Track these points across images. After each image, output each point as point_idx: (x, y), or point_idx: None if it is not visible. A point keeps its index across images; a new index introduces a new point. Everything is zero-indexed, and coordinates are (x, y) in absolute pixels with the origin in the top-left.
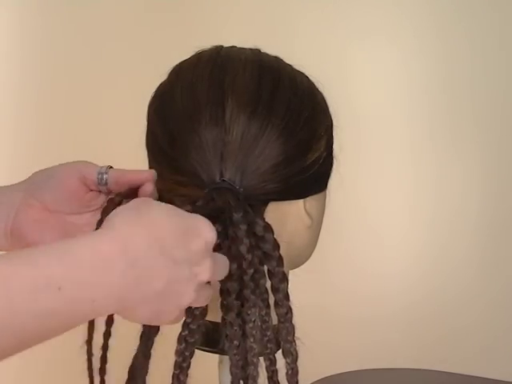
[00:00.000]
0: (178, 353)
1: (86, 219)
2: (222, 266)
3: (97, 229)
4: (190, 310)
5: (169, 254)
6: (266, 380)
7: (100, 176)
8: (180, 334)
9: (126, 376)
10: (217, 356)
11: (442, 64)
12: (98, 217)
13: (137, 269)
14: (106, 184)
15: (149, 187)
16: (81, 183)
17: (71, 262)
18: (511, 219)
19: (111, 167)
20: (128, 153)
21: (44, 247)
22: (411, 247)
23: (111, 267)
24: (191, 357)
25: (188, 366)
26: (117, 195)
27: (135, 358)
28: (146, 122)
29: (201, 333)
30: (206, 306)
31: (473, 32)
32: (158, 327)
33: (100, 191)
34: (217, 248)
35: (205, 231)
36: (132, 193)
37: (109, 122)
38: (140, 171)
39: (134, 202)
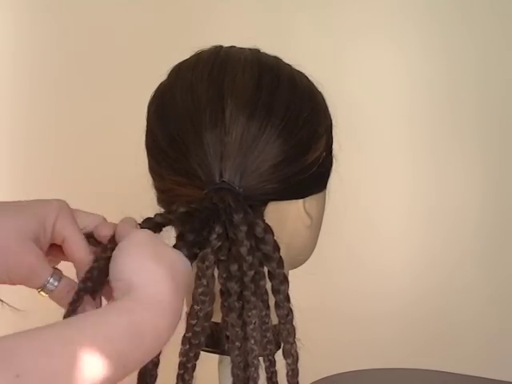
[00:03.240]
0: (182, 354)
1: None
2: None
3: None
4: (194, 312)
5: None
6: (266, 381)
7: (46, 285)
8: (184, 335)
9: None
10: (217, 356)
11: (443, 62)
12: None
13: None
14: (51, 291)
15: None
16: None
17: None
18: (511, 218)
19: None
20: (128, 153)
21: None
22: (411, 247)
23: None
24: (196, 358)
25: (193, 367)
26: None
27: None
28: (145, 122)
29: (205, 335)
30: (211, 308)
31: (475, 30)
32: None
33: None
34: (217, 250)
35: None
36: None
37: (109, 122)
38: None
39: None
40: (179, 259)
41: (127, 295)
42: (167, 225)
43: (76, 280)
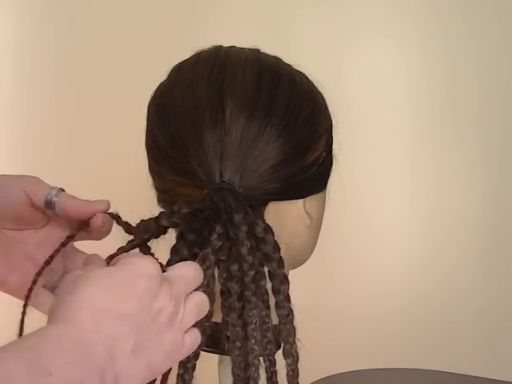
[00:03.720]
0: None
1: (28, 234)
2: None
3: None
4: None
5: (119, 315)
6: (266, 381)
7: (49, 199)
8: None
9: None
10: (217, 356)
11: (443, 61)
12: (41, 234)
13: (98, 346)
14: (53, 208)
15: (98, 219)
16: (27, 203)
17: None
18: (511, 218)
19: (63, 190)
20: (128, 153)
21: (22, 339)
22: (411, 246)
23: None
24: (196, 358)
25: (193, 367)
26: (68, 237)
27: None
28: (145, 122)
29: (206, 335)
30: (212, 308)
31: (475, 29)
32: None
33: (46, 214)
34: (218, 250)
35: (140, 269)
36: (83, 224)
37: (109, 122)
38: (91, 202)
39: (61, 288)
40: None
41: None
42: (172, 227)
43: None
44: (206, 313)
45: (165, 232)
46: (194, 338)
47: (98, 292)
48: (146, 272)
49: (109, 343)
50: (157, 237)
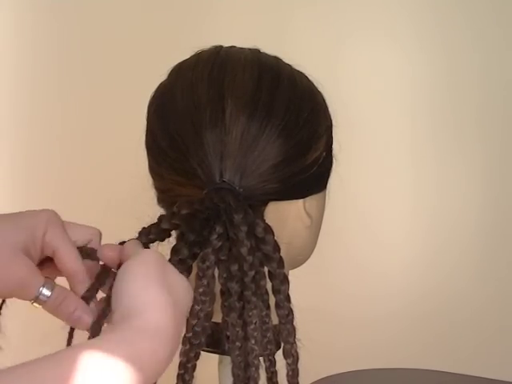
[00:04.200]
0: (183, 354)
1: None
2: None
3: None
4: (194, 312)
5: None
6: (266, 381)
7: (39, 296)
8: (185, 335)
9: None
10: (217, 356)
11: (444, 61)
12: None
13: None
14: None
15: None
16: (17, 289)
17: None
18: (511, 218)
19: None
20: (128, 153)
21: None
22: (411, 247)
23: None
24: (196, 358)
25: (193, 367)
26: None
27: None
28: (145, 122)
29: (206, 335)
30: (212, 308)
31: (475, 28)
32: None
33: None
34: (218, 250)
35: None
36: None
37: (109, 122)
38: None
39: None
40: (183, 286)
41: (127, 321)
42: (174, 229)
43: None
44: None
45: (169, 235)
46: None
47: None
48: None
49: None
50: (162, 240)
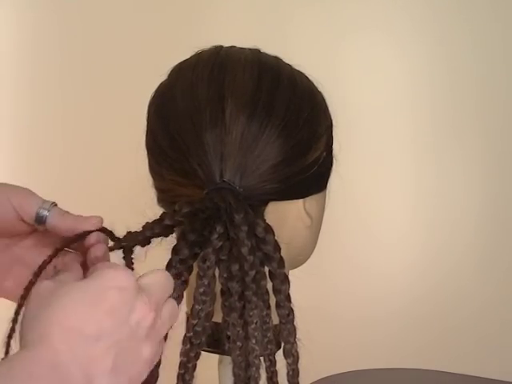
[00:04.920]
0: (183, 353)
1: (18, 238)
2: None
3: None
4: (195, 312)
5: (94, 334)
6: (266, 381)
7: (39, 214)
8: (185, 335)
9: None
10: (217, 356)
11: (444, 60)
12: (33, 236)
13: (74, 369)
14: (44, 223)
15: (91, 239)
16: (15, 218)
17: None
18: (511, 218)
19: (55, 204)
20: (128, 153)
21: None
22: (411, 247)
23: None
24: (197, 358)
25: (194, 367)
26: (57, 249)
27: None
28: (146, 122)
29: (206, 335)
30: (212, 308)
31: (475, 26)
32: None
33: (36, 228)
34: (218, 250)
35: (110, 282)
36: (75, 239)
37: (109, 122)
38: (83, 220)
39: (32, 303)
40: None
41: (32, 348)
42: (176, 226)
43: None
44: (176, 321)
45: (172, 231)
46: (161, 347)
47: (70, 310)
48: (117, 285)
49: (85, 364)
50: (166, 235)
